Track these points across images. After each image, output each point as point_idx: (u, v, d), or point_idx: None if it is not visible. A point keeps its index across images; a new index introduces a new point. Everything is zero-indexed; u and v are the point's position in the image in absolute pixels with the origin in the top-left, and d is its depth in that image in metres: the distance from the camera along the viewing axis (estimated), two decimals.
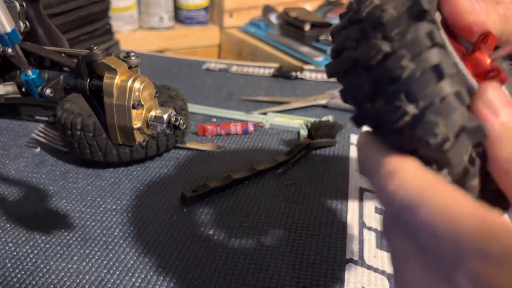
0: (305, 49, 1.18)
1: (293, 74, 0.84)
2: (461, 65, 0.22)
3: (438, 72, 0.20)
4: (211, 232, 0.45)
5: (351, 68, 0.23)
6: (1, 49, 0.33)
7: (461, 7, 0.24)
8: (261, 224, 0.47)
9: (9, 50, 0.32)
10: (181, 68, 0.91)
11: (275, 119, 0.67)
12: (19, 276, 0.40)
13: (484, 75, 0.23)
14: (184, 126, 0.33)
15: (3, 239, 0.44)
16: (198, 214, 0.48)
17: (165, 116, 0.32)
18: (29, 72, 0.32)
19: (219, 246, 0.44)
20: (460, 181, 0.21)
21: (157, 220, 0.47)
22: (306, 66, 0.94)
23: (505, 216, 0.19)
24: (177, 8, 1.44)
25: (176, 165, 0.57)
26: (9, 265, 0.41)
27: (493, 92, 0.21)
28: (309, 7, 1.49)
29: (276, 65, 0.91)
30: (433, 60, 0.20)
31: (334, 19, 1.43)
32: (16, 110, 0.66)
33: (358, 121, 0.23)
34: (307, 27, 1.22)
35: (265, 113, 0.70)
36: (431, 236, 0.19)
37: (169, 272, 0.40)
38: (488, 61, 0.23)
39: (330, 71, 0.24)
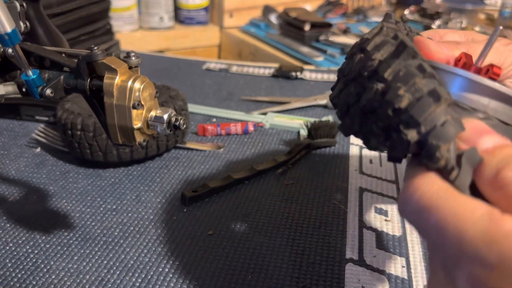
0: (305, 49, 1.18)
1: (293, 74, 0.84)
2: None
3: (436, 96, 0.22)
4: (211, 232, 0.45)
5: (362, 119, 0.25)
6: (2, 49, 0.33)
7: (431, 48, 0.29)
8: (261, 224, 0.47)
9: (10, 50, 0.32)
10: (181, 68, 0.91)
11: (275, 119, 0.67)
12: (19, 276, 0.40)
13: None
14: (184, 126, 0.33)
15: (4, 239, 0.44)
16: (198, 214, 0.48)
17: (165, 116, 0.32)
18: (30, 72, 0.32)
19: (219, 246, 0.44)
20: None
21: (157, 220, 0.47)
22: (306, 66, 0.94)
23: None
24: (177, 8, 1.44)
25: (176, 165, 0.57)
26: (9, 264, 0.41)
27: (470, 124, 0.23)
28: (309, 7, 1.49)
29: (276, 65, 0.91)
30: (427, 87, 0.22)
31: (334, 19, 1.43)
32: (16, 110, 0.67)
33: (392, 158, 0.25)
34: (307, 27, 1.22)
35: (265, 113, 0.70)
36: (439, 238, 0.21)
37: (169, 272, 0.41)
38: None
39: (345, 130, 0.27)
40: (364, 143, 0.26)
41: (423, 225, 0.22)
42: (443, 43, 0.30)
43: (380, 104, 0.23)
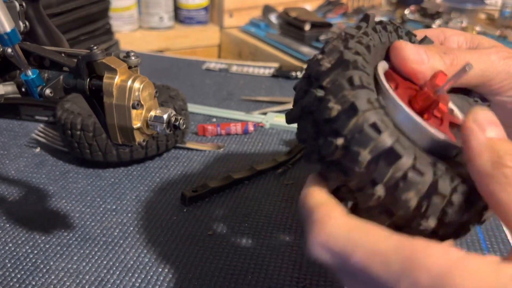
0: (305, 49, 1.18)
1: (293, 74, 0.84)
2: (392, 99, 0.26)
3: (354, 109, 0.24)
4: (211, 232, 0.45)
5: (301, 114, 0.27)
6: (1, 49, 0.33)
7: (406, 56, 0.28)
8: (261, 224, 0.46)
9: (9, 50, 0.32)
10: (181, 68, 0.91)
11: (275, 119, 0.67)
12: (18, 276, 0.40)
13: (428, 105, 0.27)
14: (184, 126, 0.33)
15: (3, 239, 0.44)
16: (198, 214, 0.48)
17: (165, 116, 0.32)
18: (29, 72, 0.32)
19: (219, 246, 0.43)
20: (392, 193, 0.24)
21: (157, 220, 0.47)
22: (306, 66, 0.94)
23: (425, 241, 0.21)
24: (177, 8, 1.43)
25: (176, 165, 0.57)
26: (9, 265, 0.41)
27: (482, 112, 0.24)
28: (309, 7, 1.49)
29: (276, 65, 0.91)
30: (350, 99, 0.24)
31: (334, 19, 1.43)
32: (16, 110, 0.66)
33: (306, 158, 0.27)
34: (307, 27, 1.22)
35: (265, 113, 0.70)
36: (370, 278, 0.22)
37: (169, 272, 0.40)
38: (433, 94, 0.27)
39: (288, 118, 0.29)
40: (296, 134, 0.28)
41: (348, 270, 0.23)
42: (427, 50, 0.29)
43: (316, 108, 0.26)
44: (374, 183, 0.24)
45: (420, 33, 0.34)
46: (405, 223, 0.25)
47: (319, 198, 0.26)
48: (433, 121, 0.27)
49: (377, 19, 0.31)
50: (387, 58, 0.30)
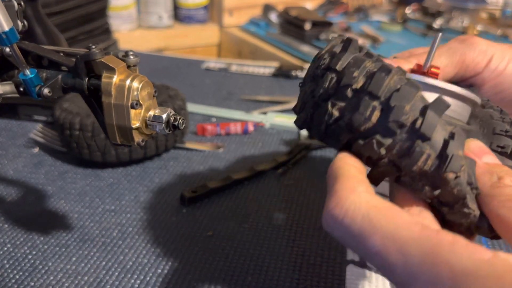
0: (305, 48, 1.18)
1: (294, 73, 0.84)
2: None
3: (386, 70, 0.24)
4: (210, 233, 0.45)
5: (314, 111, 0.26)
6: None
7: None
8: (261, 224, 0.46)
9: (7, 49, 0.32)
10: (181, 67, 0.91)
11: (275, 119, 0.67)
12: (17, 277, 0.39)
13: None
14: (183, 126, 0.32)
15: (1, 240, 0.44)
16: (198, 215, 0.47)
17: (164, 116, 0.32)
18: (27, 72, 0.31)
19: (219, 247, 0.43)
20: (442, 154, 0.22)
21: (156, 221, 0.47)
22: (306, 65, 0.94)
23: (452, 235, 0.20)
24: (176, 7, 1.43)
25: (175, 165, 0.56)
26: (7, 266, 0.41)
27: (474, 143, 0.26)
28: (310, 6, 1.49)
29: (276, 64, 0.91)
30: (378, 65, 0.24)
31: (335, 18, 1.43)
32: (14, 110, 0.66)
33: (332, 139, 0.26)
34: (307, 26, 1.21)
35: (265, 113, 0.69)
36: (384, 264, 0.20)
37: (168, 273, 0.40)
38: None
39: (300, 123, 0.28)
40: (312, 132, 0.27)
41: (363, 251, 0.21)
42: (398, 60, 0.32)
43: (335, 90, 0.25)
44: (423, 138, 0.22)
45: (405, 53, 0.35)
46: (449, 202, 0.23)
47: (348, 169, 0.24)
48: None
49: (395, 60, 0.33)
50: None
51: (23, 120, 0.66)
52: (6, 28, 0.29)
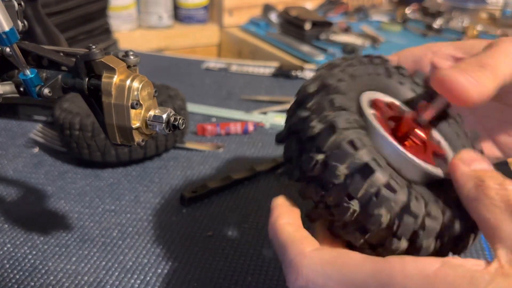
0: (305, 48, 1.18)
1: (294, 73, 0.84)
2: (371, 122, 0.28)
3: (333, 127, 0.26)
4: (210, 233, 0.45)
5: (288, 134, 0.29)
6: None
7: (460, 89, 0.27)
8: (261, 224, 0.46)
9: (7, 49, 0.32)
10: (181, 67, 0.91)
11: (275, 119, 0.67)
12: (17, 277, 0.39)
13: (407, 131, 0.29)
14: (184, 126, 0.32)
15: (1, 240, 0.44)
16: (198, 215, 0.47)
17: (164, 116, 0.31)
18: (27, 72, 0.31)
19: (219, 247, 0.43)
20: (366, 208, 0.25)
21: (156, 221, 0.47)
22: (306, 65, 0.94)
23: (399, 258, 0.23)
24: (176, 7, 1.43)
25: (175, 165, 0.56)
26: (7, 266, 0.41)
27: (467, 152, 0.26)
28: (310, 6, 1.49)
29: (276, 64, 0.91)
30: (331, 119, 0.26)
31: (335, 18, 1.43)
32: (14, 110, 0.66)
33: (289, 175, 0.29)
34: (307, 26, 1.21)
35: (265, 113, 0.69)
36: None
37: (168, 273, 0.40)
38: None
39: (277, 138, 0.31)
40: (284, 153, 0.30)
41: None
42: (465, 70, 0.27)
43: (300, 128, 0.27)
44: (350, 197, 0.25)
45: (405, 53, 0.34)
46: (378, 242, 0.26)
47: (289, 232, 0.27)
48: (415, 149, 0.29)
49: (365, 53, 0.33)
50: (379, 89, 0.32)
51: (23, 120, 0.66)
52: (6, 28, 0.29)
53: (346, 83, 0.29)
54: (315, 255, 0.24)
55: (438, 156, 0.30)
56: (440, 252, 0.25)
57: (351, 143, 0.25)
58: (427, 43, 0.35)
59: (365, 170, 0.25)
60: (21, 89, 0.33)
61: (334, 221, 0.27)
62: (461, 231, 0.25)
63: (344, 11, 1.51)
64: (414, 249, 0.25)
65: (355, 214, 0.25)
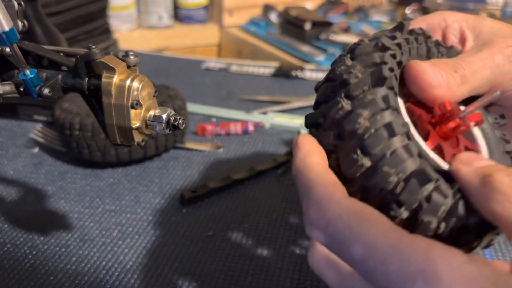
0: (305, 48, 1.18)
1: (294, 73, 0.84)
2: (412, 128, 0.25)
3: (390, 130, 0.23)
4: (210, 233, 0.45)
5: (322, 120, 0.26)
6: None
7: (427, 81, 0.27)
8: (261, 224, 0.46)
9: (7, 49, 0.32)
10: (181, 67, 0.90)
11: (275, 119, 0.67)
12: (17, 277, 0.39)
13: (454, 129, 0.27)
14: (183, 126, 0.32)
15: (1, 240, 0.44)
16: (198, 215, 0.47)
17: (164, 116, 0.31)
18: (27, 72, 0.31)
19: (219, 247, 0.43)
20: (414, 216, 0.23)
21: (156, 221, 0.47)
22: (306, 65, 0.94)
23: (427, 241, 0.21)
24: (176, 7, 1.43)
25: (175, 165, 0.56)
26: (7, 265, 0.41)
27: (466, 154, 0.25)
28: (310, 6, 1.49)
29: (276, 64, 0.91)
30: (386, 120, 0.24)
31: (335, 18, 1.43)
32: (14, 110, 0.66)
33: (309, 119, 0.26)
34: (307, 26, 1.21)
35: (265, 113, 0.69)
36: (366, 271, 0.21)
37: (168, 273, 0.40)
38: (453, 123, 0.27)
39: (307, 121, 0.27)
40: (316, 136, 0.27)
41: (347, 258, 0.22)
42: (441, 70, 0.27)
43: (341, 120, 0.25)
44: (399, 204, 0.23)
45: (419, 21, 0.33)
46: (378, 206, 0.24)
47: (319, 172, 0.24)
48: (444, 139, 0.27)
49: (410, 27, 0.30)
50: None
51: (23, 120, 0.66)
52: (6, 28, 0.29)
53: (395, 74, 0.26)
54: (344, 202, 0.23)
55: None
56: (439, 237, 0.24)
57: (406, 148, 0.24)
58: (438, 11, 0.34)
59: (420, 176, 0.23)
60: (21, 89, 0.33)
61: (343, 177, 0.25)
62: (468, 220, 0.24)
63: (344, 11, 1.51)
64: (412, 223, 0.24)
65: (363, 169, 0.24)
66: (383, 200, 0.24)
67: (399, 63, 0.26)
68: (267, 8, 1.42)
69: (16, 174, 0.54)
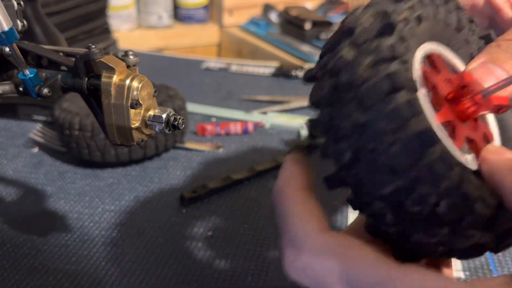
0: (305, 48, 1.17)
1: (294, 73, 0.84)
2: (421, 90, 0.22)
3: (391, 82, 0.20)
4: (210, 233, 0.45)
5: (320, 73, 0.23)
6: None
7: None
8: (261, 225, 0.46)
9: (6, 49, 0.31)
10: (180, 67, 0.90)
11: (275, 119, 0.67)
12: (17, 277, 0.39)
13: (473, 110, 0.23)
14: (183, 125, 0.32)
15: (1, 240, 0.43)
16: (197, 215, 0.47)
17: (164, 116, 0.31)
18: (27, 71, 0.31)
19: (219, 247, 0.43)
20: (410, 187, 0.20)
21: (156, 221, 0.46)
22: (306, 65, 0.94)
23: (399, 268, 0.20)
24: (176, 7, 1.43)
25: (175, 165, 0.56)
26: (7, 266, 0.40)
27: (491, 145, 0.23)
28: (310, 5, 1.49)
29: (276, 64, 0.91)
30: (389, 70, 0.20)
31: (335, 18, 1.43)
32: (13, 110, 0.66)
33: (308, 73, 0.24)
34: (307, 26, 1.21)
35: (265, 113, 0.69)
36: None
37: (168, 273, 0.40)
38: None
39: (306, 75, 0.25)
40: (311, 94, 0.24)
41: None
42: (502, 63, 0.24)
43: (341, 69, 0.22)
44: (393, 170, 0.20)
45: None
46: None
47: (298, 202, 0.23)
48: (466, 126, 0.24)
49: None
50: (443, 42, 0.26)
51: (23, 120, 0.66)
52: (6, 28, 0.29)
53: (410, 27, 0.22)
54: (323, 239, 0.21)
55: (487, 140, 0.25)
56: (437, 218, 0.20)
57: (390, 48, 0.21)
58: None
59: (390, 80, 0.21)
60: (21, 89, 0.33)
61: (337, 133, 0.22)
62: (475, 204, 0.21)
63: (344, 10, 1.51)
64: (406, 194, 0.20)
65: (356, 124, 0.21)
66: (373, 164, 0.20)
67: (418, 18, 0.23)
68: (267, 8, 1.42)
69: (15, 174, 0.54)
